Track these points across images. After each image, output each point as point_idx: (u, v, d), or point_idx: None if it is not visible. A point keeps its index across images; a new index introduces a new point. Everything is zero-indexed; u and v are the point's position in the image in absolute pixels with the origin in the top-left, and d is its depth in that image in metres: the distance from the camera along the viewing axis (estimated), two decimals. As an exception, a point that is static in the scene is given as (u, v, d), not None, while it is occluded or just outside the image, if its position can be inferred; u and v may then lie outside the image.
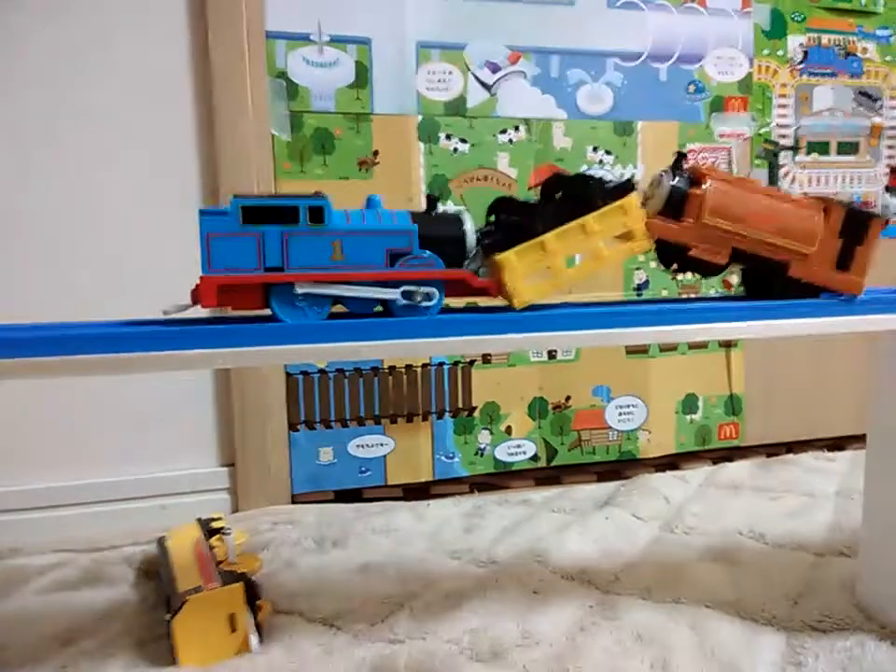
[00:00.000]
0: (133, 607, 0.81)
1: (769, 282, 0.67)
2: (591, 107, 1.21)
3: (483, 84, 1.16)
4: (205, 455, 1.14)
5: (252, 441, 1.12)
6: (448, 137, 1.14)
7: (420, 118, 1.13)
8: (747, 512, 1.05)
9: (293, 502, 1.14)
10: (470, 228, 0.60)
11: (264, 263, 0.55)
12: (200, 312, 0.59)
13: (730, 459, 1.34)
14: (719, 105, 1.28)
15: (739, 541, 0.95)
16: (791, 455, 1.31)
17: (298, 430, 1.13)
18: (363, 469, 1.16)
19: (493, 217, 0.64)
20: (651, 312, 0.62)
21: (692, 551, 0.93)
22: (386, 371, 1.16)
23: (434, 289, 0.58)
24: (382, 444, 1.17)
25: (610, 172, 1.22)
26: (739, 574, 0.86)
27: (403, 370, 1.16)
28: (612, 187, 0.63)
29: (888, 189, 1.39)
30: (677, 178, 0.64)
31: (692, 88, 1.26)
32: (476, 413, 1.21)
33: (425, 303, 0.58)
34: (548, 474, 1.26)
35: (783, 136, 1.32)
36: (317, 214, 0.55)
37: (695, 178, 0.64)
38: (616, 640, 0.72)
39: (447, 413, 1.19)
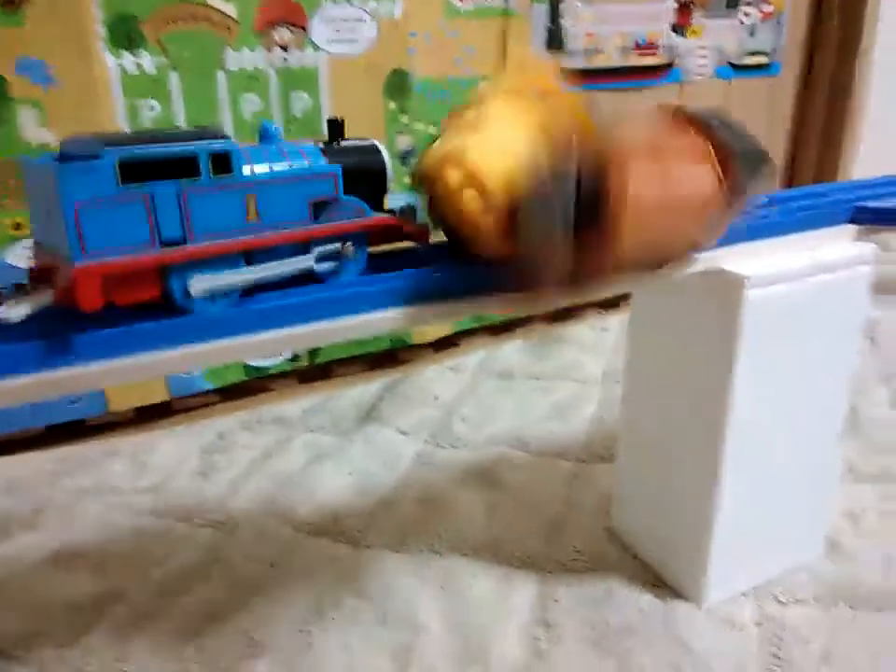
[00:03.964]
0: None
1: None
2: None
3: None
4: None
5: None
6: (129, -42, 0.83)
7: (81, -73, 0.80)
8: (516, 411, 0.99)
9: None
10: (388, 158, 0.49)
11: (159, 236, 0.39)
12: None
13: (510, 329, 1.28)
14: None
15: (504, 455, 0.89)
16: (566, 328, 1.27)
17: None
18: (73, 397, 0.94)
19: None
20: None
21: (454, 472, 0.86)
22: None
23: (359, 242, 0.47)
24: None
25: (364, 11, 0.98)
26: (499, 501, 0.80)
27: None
28: None
29: (674, 28, 1.26)
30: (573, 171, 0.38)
31: None
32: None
33: (353, 259, 0.47)
34: (314, 373, 1.13)
35: (566, -36, 1.12)
36: (223, 162, 0.41)
37: (601, 169, 0.38)
38: (357, 627, 0.64)
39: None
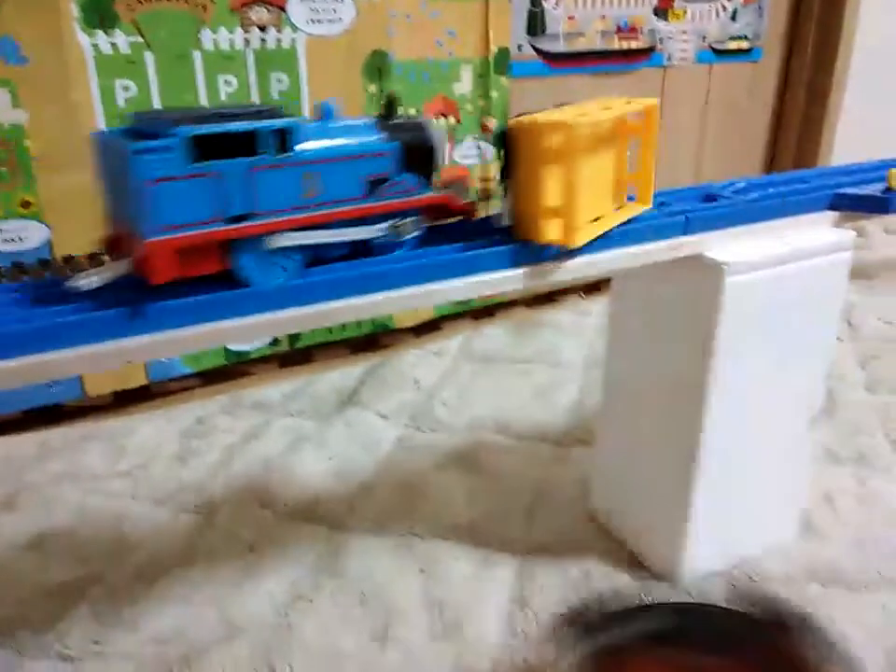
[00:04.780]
0: None
1: None
2: None
3: None
4: None
5: None
6: (102, -66, 0.81)
7: None
8: (496, 394, 1.00)
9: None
10: (439, 135, 0.50)
11: (226, 212, 0.41)
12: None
13: (491, 314, 1.28)
14: None
15: (484, 438, 0.89)
16: (548, 313, 1.27)
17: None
18: (50, 382, 0.93)
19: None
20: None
21: (435, 456, 0.86)
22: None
23: (419, 219, 0.49)
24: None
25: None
26: (478, 484, 0.81)
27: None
28: None
29: (656, 11, 1.26)
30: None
31: None
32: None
33: (411, 236, 0.49)
34: (294, 357, 1.12)
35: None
36: (286, 140, 0.42)
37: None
38: (336, 608, 0.64)
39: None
